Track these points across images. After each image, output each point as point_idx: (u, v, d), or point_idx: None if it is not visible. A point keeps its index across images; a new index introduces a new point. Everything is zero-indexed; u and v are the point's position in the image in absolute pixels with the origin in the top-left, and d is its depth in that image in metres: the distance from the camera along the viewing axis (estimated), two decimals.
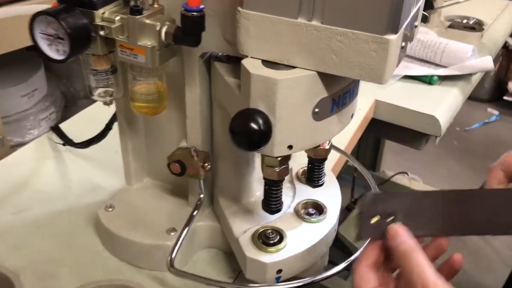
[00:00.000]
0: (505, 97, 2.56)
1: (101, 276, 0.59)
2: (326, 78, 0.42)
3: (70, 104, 1.52)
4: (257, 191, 0.61)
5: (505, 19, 1.40)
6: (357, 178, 1.81)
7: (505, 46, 2.44)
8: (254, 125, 0.41)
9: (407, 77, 1.05)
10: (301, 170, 0.64)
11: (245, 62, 0.43)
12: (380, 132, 1.05)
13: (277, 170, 0.48)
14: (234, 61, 0.51)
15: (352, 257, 0.55)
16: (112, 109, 0.63)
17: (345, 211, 1.79)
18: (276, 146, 0.44)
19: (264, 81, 0.41)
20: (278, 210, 0.52)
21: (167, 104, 0.53)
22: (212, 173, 0.60)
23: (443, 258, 0.47)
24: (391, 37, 0.38)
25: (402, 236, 0.44)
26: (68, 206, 0.69)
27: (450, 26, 1.22)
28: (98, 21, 0.47)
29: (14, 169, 0.77)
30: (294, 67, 0.42)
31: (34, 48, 0.47)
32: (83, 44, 0.46)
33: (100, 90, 0.53)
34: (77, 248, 0.63)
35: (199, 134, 0.56)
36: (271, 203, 0.51)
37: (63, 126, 0.85)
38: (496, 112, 2.57)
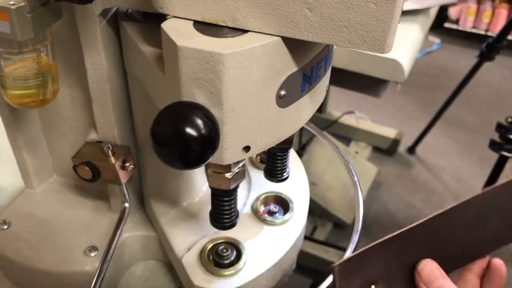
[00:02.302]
0: (446, 25, 2.49)
1: None
2: (295, 46, 0.28)
3: None
4: (202, 186, 0.47)
5: None
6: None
7: None
8: (191, 131, 0.25)
9: None
10: (258, 157, 0.50)
11: (167, 26, 0.27)
12: (335, 80, 0.92)
13: (229, 177, 0.34)
14: (151, 19, 0.35)
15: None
16: None
17: None
18: (227, 152, 0.29)
19: (201, 58, 0.26)
20: (233, 225, 0.38)
21: (58, 86, 0.37)
22: (138, 171, 0.45)
23: None
24: None
25: (439, 276, 0.34)
26: None
27: None
28: None
29: None
30: (246, 31, 0.27)
31: None
32: None
33: None
34: None
35: (112, 123, 0.40)
36: (223, 217, 0.37)
37: None
38: (437, 40, 2.51)
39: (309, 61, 0.30)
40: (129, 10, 0.35)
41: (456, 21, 2.47)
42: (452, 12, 2.47)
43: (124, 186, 0.42)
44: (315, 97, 0.33)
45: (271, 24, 0.26)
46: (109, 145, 0.40)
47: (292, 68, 0.29)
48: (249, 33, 0.27)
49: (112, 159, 0.40)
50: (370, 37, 0.25)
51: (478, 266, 0.40)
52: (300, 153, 1.74)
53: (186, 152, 0.26)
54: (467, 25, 2.44)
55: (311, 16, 0.26)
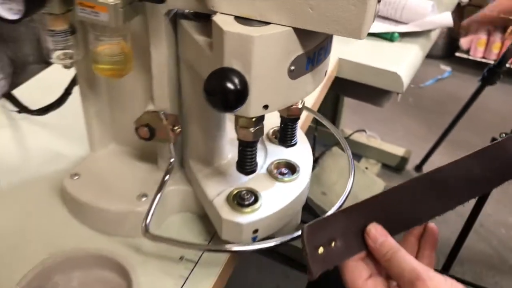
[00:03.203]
0: (457, 54, 2.62)
1: (71, 245, 0.57)
2: (302, 35, 0.41)
3: (19, 70, 1.44)
4: (229, 153, 0.60)
5: None
6: (318, 136, 1.83)
7: (458, 3, 2.48)
8: (230, 85, 0.39)
9: (369, 35, 1.04)
10: (272, 131, 0.63)
11: (216, 18, 0.41)
12: (343, 90, 1.05)
13: (252, 131, 0.47)
14: (203, 18, 0.49)
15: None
16: (70, 73, 0.60)
17: None
18: (252, 107, 0.43)
19: (239, 39, 0.40)
20: (253, 171, 0.51)
21: (132, 66, 0.51)
22: (182, 137, 0.58)
23: None
24: None
25: (383, 235, 0.46)
26: (29, 176, 0.66)
27: None
28: None
29: None
30: (269, 23, 0.41)
31: None
32: (37, 2, 0.43)
33: (58, 52, 0.50)
34: (43, 218, 0.60)
35: (166, 97, 0.54)
36: (246, 164, 0.51)
37: (16, 92, 0.80)
38: (448, 69, 2.63)
39: (312, 48, 0.43)
40: (185, 11, 0.49)
41: (467, 51, 2.60)
42: (463, 43, 2.60)
43: (172, 145, 0.55)
44: (316, 76, 0.46)
45: (285, 18, 0.40)
46: (163, 112, 0.54)
47: (299, 50, 0.42)
48: (271, 24, 0.41)
49: (165, 122, 0.53)
50: (351, 28, 0.39)
51: (417, 230, 0.52)
52: (313, 165, 1.87)
53: (225, 100, 0.40)
54: (477, 55, 2.56)
55: (312, 13, 0.39)
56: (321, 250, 0.46)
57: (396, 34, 1.03)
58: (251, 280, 1.50)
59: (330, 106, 1.98)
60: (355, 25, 0.39)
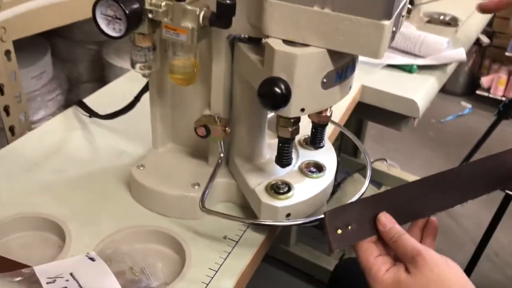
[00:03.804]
0: (477, 92, 2.73)
1: (135, 223, 0.70)
2: (333, 55, 0.54)
3: (73, 87, 1.61)
4: (267, 154, 0.73)
5: (478, 16, 1.53)
6: (341, 164, 1.94)
7: (479, 43, 2.61)
8: (278, 89, 0.52)
9: (390, 66, 1.17)
10: (303, 138, 0.76)
11: (269, 41, 0.55)
12: (365, 114, 1.17)
13: (290, 130, 0.60)
14: (254, 41, 0.62)
15: None
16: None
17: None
18: (292, 109, 0.55)
19: (286, 56, 0.53)
20: (289, 164, 0.64)
21: (198, 77, 0.64)
22: (229, 138, 0.71)
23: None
24: (386, 22, 0.50)
25: (391, 222, 0.58)
26: (99, 168, 0.80)
27: (428, 21, 1.36)
28: (147, 6, 0.57)
29: (46, 137, 0.87)
30: (308, 45, 0.54)
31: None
32: (135, 24, 0.57)
33: (140, 64, 0.64)
34: (112, 201, 0.73)
35: (221, 103, 0.67)
36: (283, 158, 0.63)
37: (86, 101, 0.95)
38: (469, 106, 2.74)
39: (340, 66, 0.56)
40: (241, 35, 0.63)
41: (488, 89, 2.70)
42: (484, 81, 2.71)
43: (222, 142, 0.68)
44: (343, 89, 0.59)
45: (321, 42, 0.53)
46: (218, 115, 0.67)
47: (331, 67, 0.55)
48: (310, 46, 0.54)
49: (219, 124, 0.66)
50: (371, 50, 0.52)
51: (420, 222, 0.63)
52: (335, 189, 1.97)
53: (274, 101, 0.53)
54: (497, 93, 2.66)
55: (342, 39, 0.52)
56: (339, 231, 0.58)
57: (415, 67, 1.16)
58: None
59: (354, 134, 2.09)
60: (374, 48, 0.51)
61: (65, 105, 1.52)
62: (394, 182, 2.11)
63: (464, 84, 2.79)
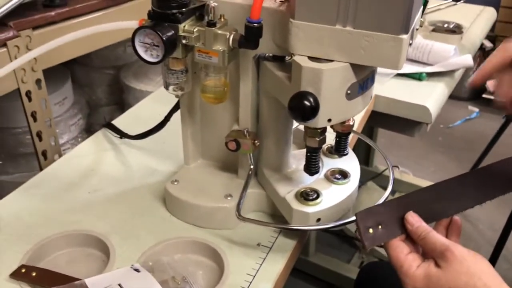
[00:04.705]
0: (484, 95, 2.76)
1: (172, 235, 0.74)
2: (356, 68, 0.59)
3: (93, 111, 1.67)
4: (293, 164, 0.77)
5: (481, 22, 1.58)
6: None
7: (482, 47, 2.65)
8: (307, 103, 0.57)
9: (400, 75, 1.22)
10: (326, 147, 0.80)
11: (296, 58, 0.59)
12: (379, 122, 1.22)
13: (318, 140, 0.64)
14: (278, 59, 0.67)
15: None
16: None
17: None
18: (320, 119, 0.60)
19: (312, 71, 0.57)
20: (317, 172, 0.68)
21: (228, 95, 0.69)
22: (257, 150, 0.76)
23: None
24: (404, 36, 0.55)
25: (418, 221, 0.61)
26: (134, 186, 0.84)
27: (433, 30, 1.40)
28: (181, 33, 0.62)
29: (80, 160, 0.92)
30: (332, 61, 0.59)
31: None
32: (171, 50, 0.62)
33: (173, 86, 0.69)
34: (149, 216, 0.78)
35: (249, 119, 0.72)
36: (311, 166, 0.67)
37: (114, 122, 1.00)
38: (476, 110, 2.77)
39: (361, 78, 0.61)
40: (266, 54, 0.68)
41: (494, 93, 2.73)
42: (490, 85, 2.74)
43: (252, 155, 0.73)
44: (365, 99, 0.64)
45: (344, 57, 0.58)
46: (246, 130, 0.71)
47: (354, 79, 0.60)
48: (334, 61, 0.58)
49: (248, 138, 0.71)
50: (391, 62, 0.56)
51: (444, 221, 0.66)
52: None
53: (304, 113, 0.57)
54: None
55: (364, 53, 0.57)
56: (371, 230, 0.62)
57: (424, 74, 1.20)
58: None
59: (364, 145, 2.13)
60: (395, 60, 0.56)
61: (87, 129, 1.58)
62: (407, 188, 2.14)
63: (470, 89, 2.83)
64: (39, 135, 1.03)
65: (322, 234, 1.80)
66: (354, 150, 2.19)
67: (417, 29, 0.62)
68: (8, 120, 1.29)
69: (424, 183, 2.12)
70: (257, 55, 0.68)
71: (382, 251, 1.74)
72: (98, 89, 1.66)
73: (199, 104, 0.76)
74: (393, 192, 2.14)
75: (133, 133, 0.94)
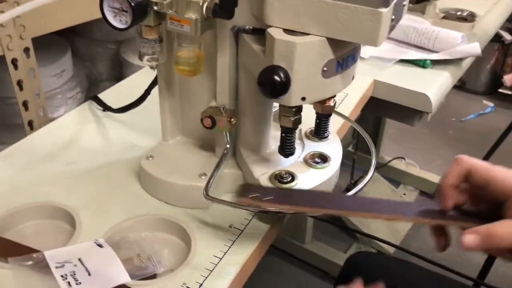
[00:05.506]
0: (500, 90, 2.68)
1: (144, 212, 0.71)
2: (333, 43, 0.55)
3: (93, 86, 1.65)
4: (272, 145, 0.74)
5: (497, 11, 1.51)
6: (358, 163, 1.94)
7: (501, 40, 2.56)
8: (277, 77, 0.53)
9: (403, 61, 1.17)
10: (309, 130, 0.76)
11: (270, 30, 0.55)
12: (378, 109, 1.17)
13: (292, 119, 0.61)
14: (258, 33, 0.63)
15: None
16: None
17: (345, 191, 1.93)
18: (293, 97, 0.56)
19: (285, 44, 0.54)
20: (291, 154, 0.65)
21: (203, 68, 0.65)
22: (235, 129, 0.72)
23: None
24: (383, 10, 0.50)
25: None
26: (111, 160, 0.82)
27: (444, 17, 1.34)
28: None
29: (61, 130, 0.89)
30: (308, 34, 0.55)
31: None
32: (141, 16, 0.59)
33: (148, 56, 0.66)
34: (122, 191, 0.75)
35: (226, 95, 0.69)
36: (286, 147, 0.64)
37: (100, 96, 0.98)
38: (491, 104, 2.69)
39: (340, 54, 0.57)
40: (246, 27, 0.64)
41: (511, 88, 2.65)
42: (507, 79, 2.65)
43: (228, 133, 0.69)
44: (345, 79, 0.60)
45: (320, 30, 0.54)
46: (223, 107, 0.68)
47: (331, 55, 0.56)
48: (310, 35, 0.55)
49: (224, 115, 0.68)
50: (369, 38, 0.52)
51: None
52: (351, 187, 1.97)
53: (273, 89, 0.53)
54: None
55: (341, 27, 0.53)
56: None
57: (428, 61, 1.15)
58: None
59: (370, 135, 2.08)
60: (373, 36, 0.52)
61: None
62: (412, 181, 2.10)
63: (486, 83, 2.75)
64: (25, 104, 1.01)
65: (320, 222, 1.77)
66: (357, 139, 2.13)
67: (404, 5, 0.58)
68: (1, 90, 1.28)
69: (430, 176, 2.07)
70: (236, 27, 0.64)
71: (381, 243, 1.71)
72: (99, 64, 1.64)
73: (178, 77, 0.73)
74: (397, 184, 2.10)
75: (117, 106, 0.91)
